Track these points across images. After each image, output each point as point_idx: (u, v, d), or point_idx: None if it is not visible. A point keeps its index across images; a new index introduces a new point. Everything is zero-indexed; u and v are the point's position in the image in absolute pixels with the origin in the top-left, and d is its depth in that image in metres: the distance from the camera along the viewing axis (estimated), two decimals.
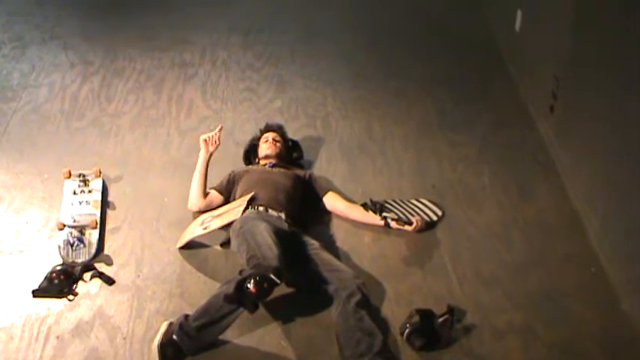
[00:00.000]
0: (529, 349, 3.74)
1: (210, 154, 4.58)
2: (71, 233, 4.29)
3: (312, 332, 3.81)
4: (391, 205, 4.54)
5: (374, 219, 4.43)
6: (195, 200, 4.52)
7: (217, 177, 4.64)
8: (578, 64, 4.70)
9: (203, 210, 4.50)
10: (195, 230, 4.28)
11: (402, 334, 3.74)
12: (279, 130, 4.95)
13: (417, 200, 4.65)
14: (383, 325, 3.80)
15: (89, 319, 3.87)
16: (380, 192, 4.70)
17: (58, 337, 3.77)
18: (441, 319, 3.72)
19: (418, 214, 4.51)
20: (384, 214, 4.39)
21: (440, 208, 4.62)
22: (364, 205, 4.42)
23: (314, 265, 3.99)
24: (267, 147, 4.80)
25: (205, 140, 4.58)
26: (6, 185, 4.80)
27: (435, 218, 4.55)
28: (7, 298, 4.00)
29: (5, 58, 6.21)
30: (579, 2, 4.71)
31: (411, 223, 4.40)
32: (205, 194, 4.53)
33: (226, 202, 4.54)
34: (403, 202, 4.61)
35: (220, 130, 4.62)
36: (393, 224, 4.41)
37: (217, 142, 4.60)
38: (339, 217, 4.55)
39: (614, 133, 4.18)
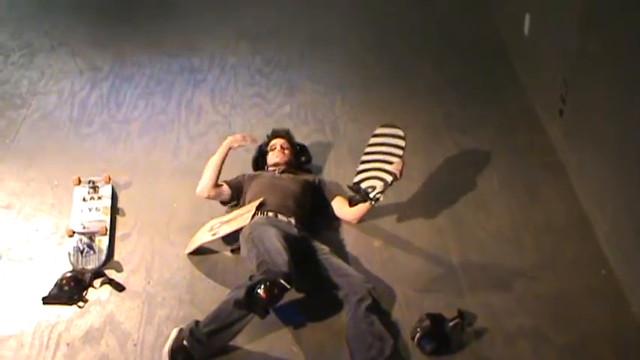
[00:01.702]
0: (540, 352, 3.73)
1: (230, 147, 4.59)
2: (81, 240, 4.30)
3: (323, 337, 3.81)
4: (365, 172, 4.47)
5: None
6: (206, 186, 4.49)
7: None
8: (586, 66, 4.69)
9: (211, 198, 4.51)
10: (203, 236, 4.28)
11: (412, 338, 3.74)
12: (286, 135, 4.92)
13: (375, 136, 4.61)
14: (393, 329, 3.80)
15: (99, 326, 3.88)
16: (388, 196, 4.68)
17: (68, 344, 3.78)
18: (451, 323, 3.72)
19: (392, 155, 4.48)
20: (374, 194, 4.31)
21: (395, 126, 4.60)
22: (352, 202, 4.39)
23: (324, 270, 3.99)
24: (275, 155, 4.78)
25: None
26: (16, 192, 4.81)
27: (402, 135, 4.55)
28: (17, 305, 4.01)
29: (14, 65, 6.23)
30: (588, 5, 4.69)
31: (395, 176, 4.37)
32: (217, 184, 4.51)
33: (233, 199, 4.56)
34: (370, 156, 4.54)
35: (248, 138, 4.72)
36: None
37: (242, 141, 4.67)
38: (348, 221, 4.56)
39: (623, 135, 4.17)
